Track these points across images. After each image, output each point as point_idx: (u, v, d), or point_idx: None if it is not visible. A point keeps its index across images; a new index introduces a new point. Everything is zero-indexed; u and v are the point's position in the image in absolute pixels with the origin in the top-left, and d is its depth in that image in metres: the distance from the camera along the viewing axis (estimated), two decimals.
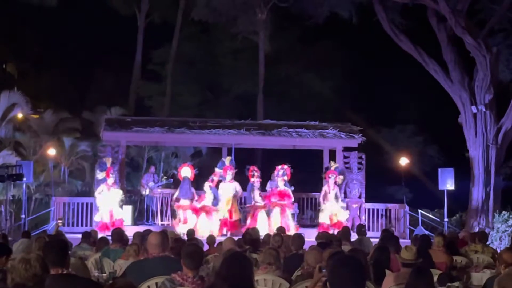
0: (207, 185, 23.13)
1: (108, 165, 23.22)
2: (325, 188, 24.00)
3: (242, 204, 24.71)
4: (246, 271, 6.61)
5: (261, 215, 23.07)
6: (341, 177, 24.30)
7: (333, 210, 23.63)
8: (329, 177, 23.89)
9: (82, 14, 38.74)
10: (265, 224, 22.65)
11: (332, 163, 24.62)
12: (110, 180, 22.98)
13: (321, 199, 23.99)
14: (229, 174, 23.55)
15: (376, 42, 33.72)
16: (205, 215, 22.77)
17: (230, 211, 23.34)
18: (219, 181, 23.73)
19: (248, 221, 23.21)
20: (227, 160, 24.16)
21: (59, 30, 39.69)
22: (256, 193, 23.41)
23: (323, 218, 23.69)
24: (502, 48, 28.53)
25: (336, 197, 23.83)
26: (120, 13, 40.25)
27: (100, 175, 23.34)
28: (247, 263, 6.71)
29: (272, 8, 37.17)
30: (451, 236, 15.76)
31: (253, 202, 23.42)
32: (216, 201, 23.08)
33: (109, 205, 22.85)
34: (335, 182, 23.99)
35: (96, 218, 23.04)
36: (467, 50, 27.21)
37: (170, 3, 41.00)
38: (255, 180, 23.58)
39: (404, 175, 26.89)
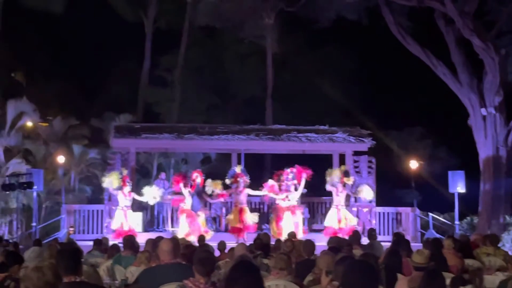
0: (186, 190, 23.04)
1: (124, 174, 23.26)
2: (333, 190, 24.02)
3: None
4: (254, 280, 6.57)
5: (287, 215, 23.04)
6: (351, 178, 24.26)
7: (343, 212, 23.61)
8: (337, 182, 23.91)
9: (89, 21, 38.77)
10: (291, 224, 22.66)
11: (342, 166, 24.59)
12: (127, 189, 23.03)
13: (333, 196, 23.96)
14: (241, 182, 23.47)
15: (384, 45, 33.69)
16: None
17: (242, 219, 23.24)
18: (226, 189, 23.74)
19: (274, 223, 23.19)
20: (238, 168, 24.08)
21: (67, 37, 39.74)
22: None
23: (331, 221, 23.64)
24: (510, 49, 28.45)
25: (347, 199, 23.87)
26: (127, 20, 40.30)
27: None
28: (255, 271, 6.67)
29: (279, 12, 37.19)
30: (464, 239, 15.70)
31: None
32: (193, 207, 23.05)
33: (124, 209, 23.01)
34: (344, 184, 23.97)
35: (113, 226, 23.08)
36: (476, 52, 27.16)
37: (177, 9, 41.02)
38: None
39: (414, 178, 26.85)
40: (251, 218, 23.35)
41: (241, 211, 23.28)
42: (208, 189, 23.49)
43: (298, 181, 23.40)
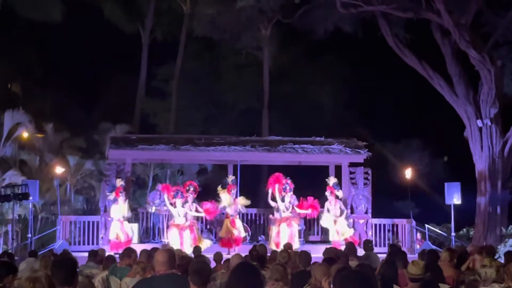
0: (167, 201, 23.09)
1: (118, 185, 23.26)
2: (326, 204, 23.97)
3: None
4: (256, 281, 6.55)
5: (283, 226, 23.02)
6: (340, 191, 24.29)
7: (337, 226, 23.58)
8: (328, 194, 23.88)
9: (86, 32, 38.77)
10: (287, 235, 22.67)
11: (331, 178, 24.53)
12: (121, 199, 23.07)
13: (324, 212, 23.94)
14: (233, 193, 23.56)
15: (380, 56, 33.72)
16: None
17: (232, 231, 23.29)
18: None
19: (274, 233, 23.14)
20: (229, 179, 24.11)
21: (63, 48, 39.75)
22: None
23: (333, 235, 23.65)
24: (506, 61, 28.50)
25: (341, 212, 23.81)
26: (124, 31, 40.30)
27: (110, 196, 23.44)
28: (256, 274, 6.65)
29: (276, 24, 37.22)
30: (461, 250, 15.68)
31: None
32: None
33: (120, 219, 22.99)
34: (336, 197, 23.97)
35: (111, 236, 23.07)
36: (472, 64, 27.19)
37: (174, 20, 41.09)
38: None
39: (410, 190, 26.84)
40: (241, 230, 23.42)
41: (232, 222, 23.35)
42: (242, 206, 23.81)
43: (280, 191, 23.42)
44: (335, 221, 23.64)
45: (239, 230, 23.46)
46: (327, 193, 23.91)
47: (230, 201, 23.58)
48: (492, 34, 28.17)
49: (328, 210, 23.90)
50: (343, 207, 23.99)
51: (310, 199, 23.91)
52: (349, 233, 23.72)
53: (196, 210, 23.10)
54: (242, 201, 23.82)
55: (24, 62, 40.08)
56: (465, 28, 26.72)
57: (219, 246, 22.94)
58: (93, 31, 38.66)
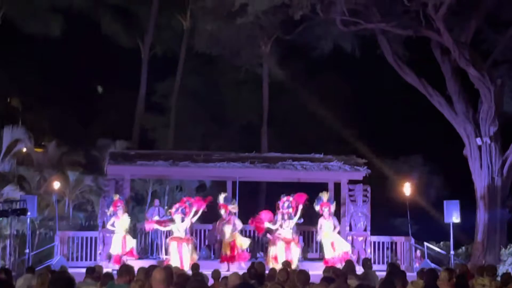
0: (178, 216, 23.15)
1: (115, 198, 23.29)
2: (320, 221, 23.91)
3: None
4: None
5: (281, 244, 22.98)
6: (333, 204, 24.29)
7: (333, 239, 23.54)
8: (323, 210, 23.82)
9: (86, 47, 38.83)
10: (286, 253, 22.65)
11: (324, 193, 24.45)
12: (119, 212, 23.09)
13: (319, 230, 23.91)
14: (223, 213, 23.62)
15: (380, 73, 33.78)
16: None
17: (233, 246, 23.32)
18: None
19: (272, 250, 23.10)
20: (221, 197, 24.06)
21: (63, 63, 39.81)
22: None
23: (327, 252, 23.59)
24: (506, 79, 28.53)
25: (334, 227, 23.75)
26: (124, 46, 40.32)
27: (109, 211, 23.45)
28: None
29: (275, 40, 37.25)
30: (462, 269, 15.62)
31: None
32: None
33: (121, 233, 22.99)
34: (330, 213, 23.95)
35: (113, 251, 23.07)
36: (472, 82, 27.22)
37: (174, 36, 41.14)
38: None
39: (409, 207, 26.78)
40: (243, 243, 23.40)
41: (231, 243, 23.36)
42: None
43: (293, 209, 23.34)
44: (331, 236, 23.62)
45: (240, 245, 23.45)
46: (325, 209, 23.80)
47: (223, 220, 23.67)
48: (492, 52, 28.26)
49: (321, 226, 23.84)
50: (336, 222, 23.96)
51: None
52: (346, 247, 23.70)
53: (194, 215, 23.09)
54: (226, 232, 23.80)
55: (23, 77, 40.12)
56: (464, 46, 26.78)
57: (219, 262, 22.98)
58: (93, 47, 38.74)
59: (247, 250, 24.26)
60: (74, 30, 38.15)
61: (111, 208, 23.37)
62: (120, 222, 23.24)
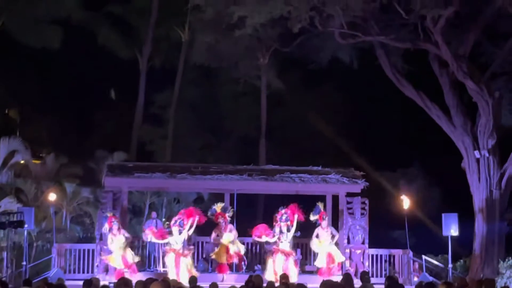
0: (175, 228, 23.12)
1: (109, 214, 23.20)
2: (317, 230, 23.83)
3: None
4: None
5: (279, 257, 22.94)
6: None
7: (330, 250, 23.49)
8: (323, 219, 23.75)
9: (84, 58, 38.82)
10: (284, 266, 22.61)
11: (320, 203, 24.35)
12: (114, 228, 22.98)
13: (313, 240, 23.80)
14: (222, 222, 23.57)
15: (378, 86, 33.77)
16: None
17: (228, 257, 23.37)
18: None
19: (270, 264, 23.03)
20: (218, 207, 24.05)
21: (61, 75, 39.80)
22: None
23: (321, 262, 23.54)
24: (504, 92, 28.56)
25: (333, 236, 23.70)
26: (122, 57, 40.30)
27: (104, 227, 23.37)
28: None
29: (274, 52, 37.21)
30: (460, 282, 15.56)
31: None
32: None
33: (120, 251, 22.91)
34: (328, 223, 23.93)
35: (114, 264, 23.04)
36: (470, 94, 27.23)
37: (172, 47, 41.14)
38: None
39: (407, 220, 26.74)
40: (240, 248, 23.44)
41: (227, 249, 23.38)
42: None
43: (291, 222, 23.31)
44: (326, 246, 23.57)
45: (235, 253, 23.51)
46: (325, 218, 23.75)
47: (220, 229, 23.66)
48: (490, 65, 28.27)
49: (318, 236, 23.77)
50: (334, 232, 23.94)
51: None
52: (341, 258, 23.67)
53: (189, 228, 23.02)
54: (225, 239, 23.77)
55: (21, 88, 40.09)
56: (463, 59, 26.80)
57: (216, 272, 22.98)
58: (91, 58, 38.72)
59: (243, 262, 24.25)
60: (73, 41, 38.13)
61: (106, 225, 23.26)
62: (116, 240, 23.09)
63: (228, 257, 23.55)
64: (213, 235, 24.39)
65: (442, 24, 25.59)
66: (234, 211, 24.73)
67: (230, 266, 24.02)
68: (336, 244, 24.04)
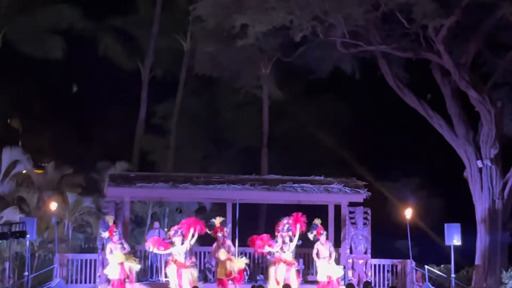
0: (178, 239, 22.96)
1: (110, 223, 23.01)
2: (317, 245, 23.64)
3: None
4: None
5: (281, 267, 22.84)
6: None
7: (328, 271, 23.30)
8: (321, 234, 23.59)
9: (86, 68, 38.86)
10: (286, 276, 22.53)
11: (317, 220, 24.17)
12: (115, 238, 22.82)
13: (314, 256, 23.64)
14: (220, 237, 23.27)
15: (380, 95, 33.79)
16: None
17: (228, 270, 23.23)
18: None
19: (272, 274, 22.93)
20: (217, 221, 23.84)
21: (63, 84, 39.86)
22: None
23: (321, 276, 23.42)
24: (506, 101, 28.56)
25: (330, 254, 23.46)
26: (124, 68, 40.34)
27: (104, 234, 23.19)
28: None
29: (275, 62, 37.27)
30: None
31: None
32: None
33: (119, 261, 22.80)
34: (327, 239, 23.79)
35: (113, 276, 22.88)
36: (472, 104, 27.24)
37: (174, 58, 41.17)
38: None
39: (410, 230, 26.70)
40: (238, 264, 23.22)
41: (225, 266, 23.24)
42: None
43: (293, 232, 23.21)
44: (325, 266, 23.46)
45: (237, 267, 23.34)
46: (323, 233, 23.63)
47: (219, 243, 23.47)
48: (492, 74, 28.32)
49: (318, 251, 23.56)
50: (332, 249, 23.68)
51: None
52: (338, 274, 23.50)
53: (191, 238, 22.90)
54: (222, 255, 23.51)
55: (23, 98, 40.13)
56: (465, 68, 26.83)
57: (216, 286, 22.85)
58: (93, 68, 38.76)
59: (245, 272, 24.14)
60: (74, 52, 38.19)
61: (107, 233, 23.02)
62: (115, 250, 22.91)
63: (227, 273, 23.33)
64: (214, 245, 24.16)
65: (444, 33, 25.63)
66: (230, 228, 24.42)
67: (232, 279, 23.71)
68: (338, 254, 23.94)
